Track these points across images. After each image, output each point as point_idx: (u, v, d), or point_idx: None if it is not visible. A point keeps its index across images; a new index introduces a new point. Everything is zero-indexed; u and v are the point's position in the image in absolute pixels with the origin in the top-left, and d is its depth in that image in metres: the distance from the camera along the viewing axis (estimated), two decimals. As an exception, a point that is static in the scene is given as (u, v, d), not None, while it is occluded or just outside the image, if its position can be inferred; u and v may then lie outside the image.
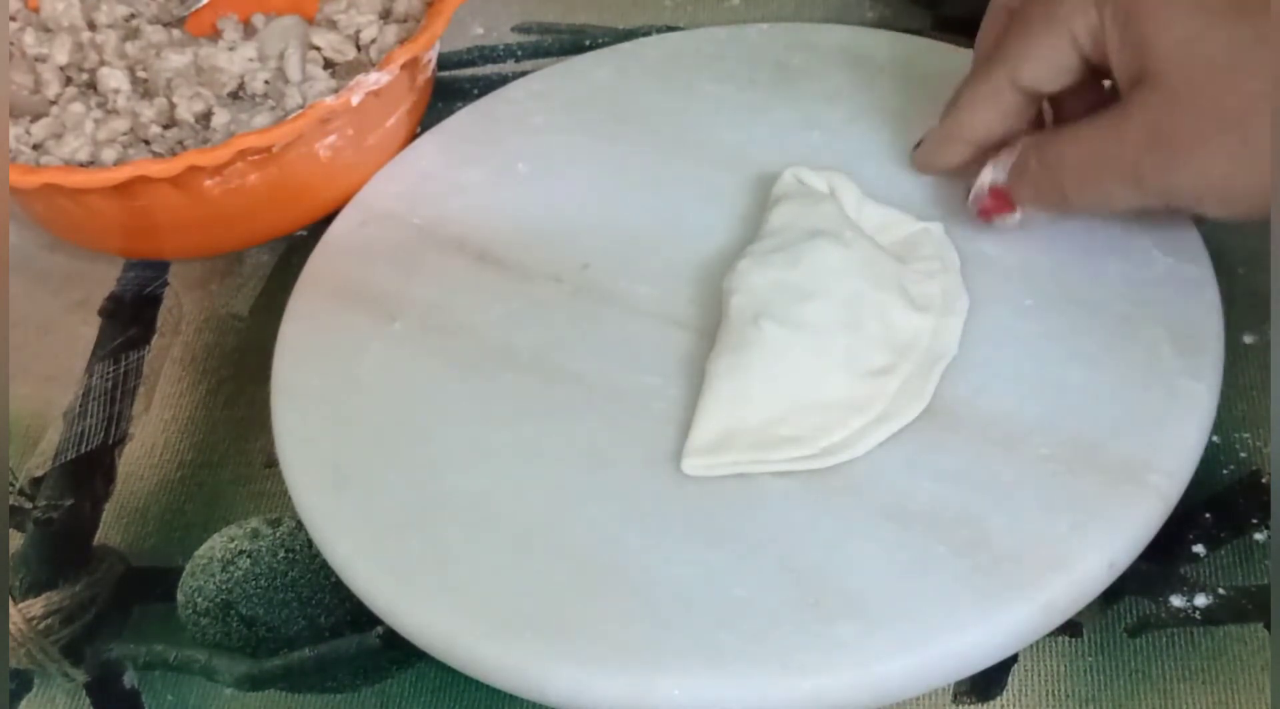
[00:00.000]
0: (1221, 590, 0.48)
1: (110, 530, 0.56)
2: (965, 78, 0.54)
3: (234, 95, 0.64)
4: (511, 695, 0.48)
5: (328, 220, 0.61)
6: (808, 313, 0.51)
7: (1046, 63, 0.51)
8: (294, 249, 0.64)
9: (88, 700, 0.51)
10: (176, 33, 0.67)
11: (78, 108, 0.63)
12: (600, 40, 0.70)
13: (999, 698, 0.47)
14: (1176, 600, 0.48)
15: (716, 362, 0.51)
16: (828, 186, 0.56)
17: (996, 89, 0.52)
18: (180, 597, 0.53)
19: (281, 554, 0.54)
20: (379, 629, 0.51)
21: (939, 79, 0.58)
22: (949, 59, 0.61)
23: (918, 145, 0.56)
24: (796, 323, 0.50)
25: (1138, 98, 0.47)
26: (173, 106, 0.62)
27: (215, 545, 0.54)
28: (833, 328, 0.50)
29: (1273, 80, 0.45)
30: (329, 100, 0.59)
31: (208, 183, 0.59)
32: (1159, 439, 0.48)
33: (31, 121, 0.63)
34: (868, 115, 0.60)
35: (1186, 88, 0.46)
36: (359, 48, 0.65)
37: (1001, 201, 0.52)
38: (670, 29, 0.69)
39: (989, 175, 0.52)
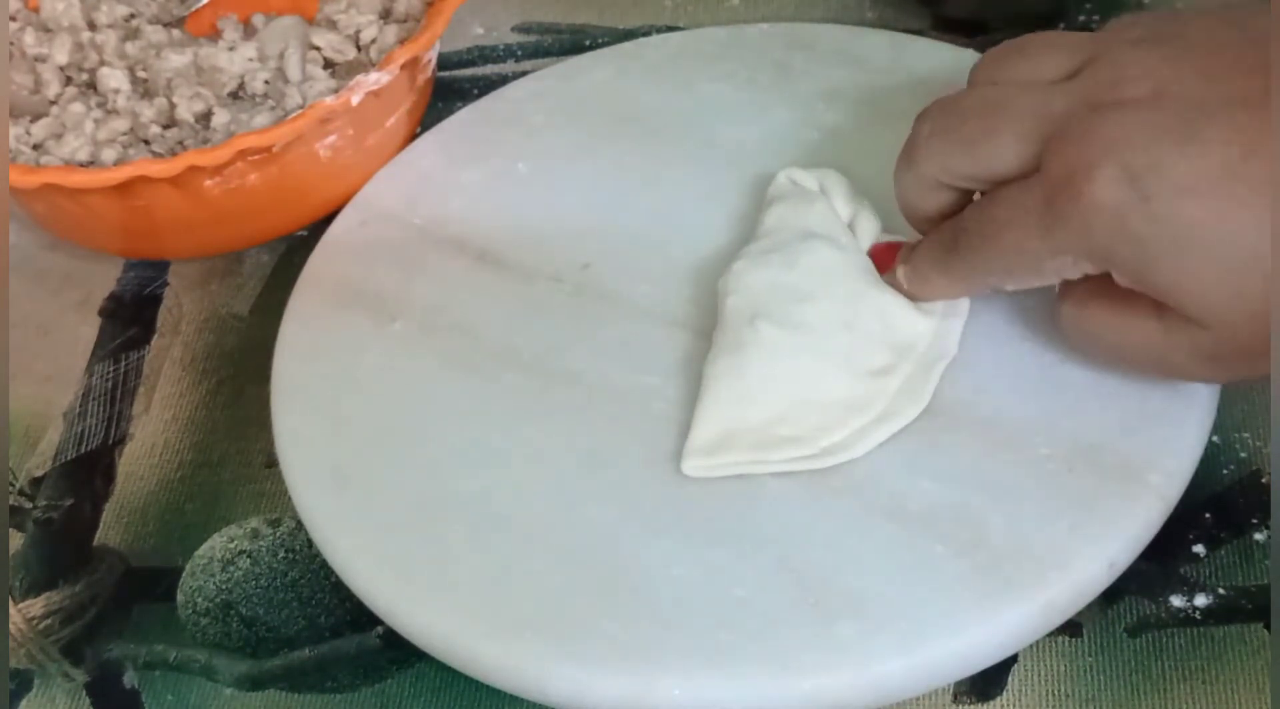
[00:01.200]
0: (1221, 590, 0.48)
1: (110, 530, 0.56)
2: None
3: (234, 95, 0.64)
4: (511, 695, 0.48)
5: (328, 220, 0.61)
6: (806, 313, 0.51)
7: (994, 159, 0.46)
8: (294, 249, 0.64)
9: (88, 700, 0.51)
10: (176, 33, 0.67)
11: (78, 108, 0.63)
12: (600, 40, 0.70)
13: (999, 698, 0.47)
14: (1176, 600, 0.48)
15: (714, 363, 0.51)
16: (819, 185, 0.56)
17: (927, 187, 0.49)
18: (180, 597, 0.53)
19: (281, 554, 0.54)
20: (379, 629, 0.51)
21: (939, 79, 0.58)
22: (949, 59, 0.61)
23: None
24: (794, 323, 0.50)
25: (1171, 317, 0.44)
26: (173, 106, 0.62)
27: (215, 545, 0.54)
28: (831, 328, 0.50)
29: None
30: (329, 100, 0.59)
31: (208, 183, 0.59)
32: (1159, 439, 0.48)
33: (31, 121, 0.63)
34: (868, 115, 0.60)
35: (1228, 327, 0.43)
36: (359, 48, 0.65)
37: (889, 257, 0.53)
38: (670, 29, 0.69)
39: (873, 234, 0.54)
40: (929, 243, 0.50)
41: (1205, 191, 0.41)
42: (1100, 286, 0.45)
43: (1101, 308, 0.46)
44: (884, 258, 0.52)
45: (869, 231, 0.54)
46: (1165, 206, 0.41)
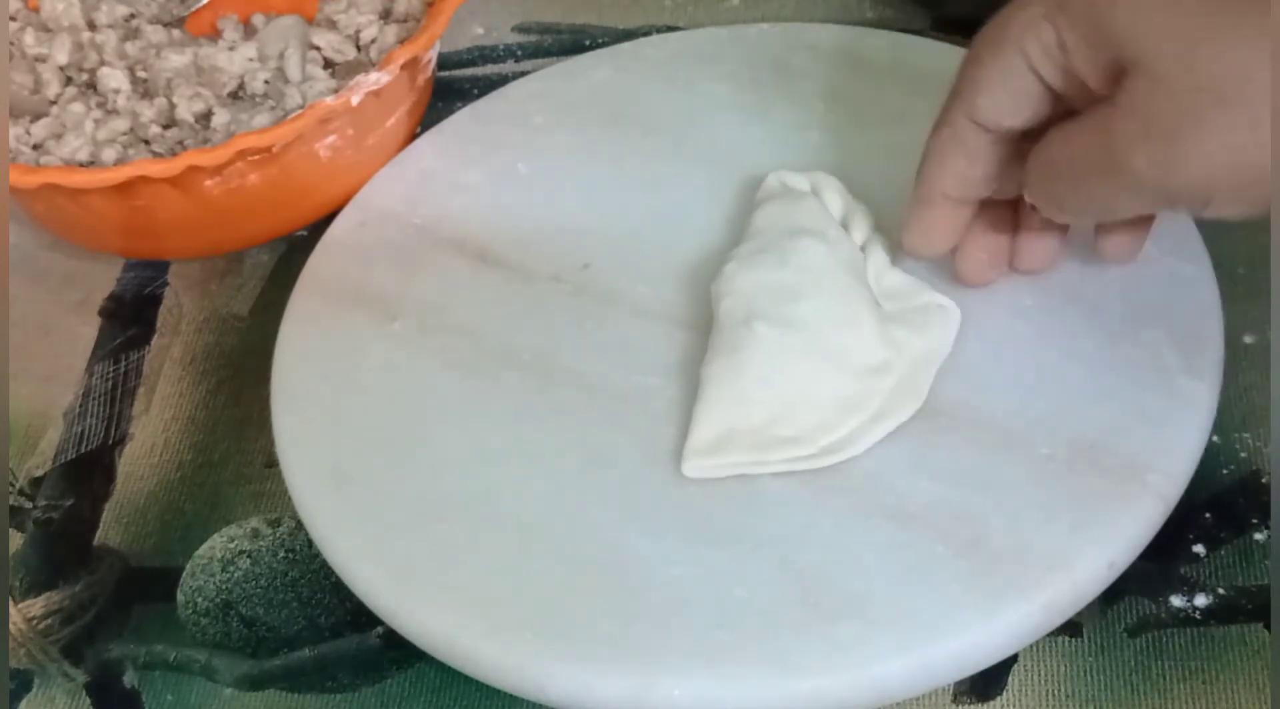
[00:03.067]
0: (1221, 590, 0.48)
1: (110, 530, 0.56)
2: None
3: (234, 95, 0.64)
4: (511, 695, 0.48)
5: (328, 220, 0.61)
6: (799, 312, 0.51)
7: (1003, 91, 0.46)
8: (294, 249, 0.64)
9: (88, 700, 0.51)
10: (176, 33, 0.67)
11: (78, 108, 0.63)
12: (600, 40, 0.70)
13: (999, 698, 0.47)
14: (1176, 600, 0.48)
15: (711, 365, 0.51)
16: (810, 186, 0.55)
17: (957, 133, 0.48)
18: (180, 597, 0.53)
19: (281, 554, 0.54)
20: (379, 629, 0.51)
21: (939, 79, 0.57)
22: (949, 59, 0.60)
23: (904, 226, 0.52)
24: (788, 322, 0.50)
25: (1122, 91, 0.43)
26: (173, 106, 0.62)
27: (215, 545, 0.54)
28: (825, 326, 0.50)
29: (1263, 47, 0.41)
30: (329, 100, 0.59)
31: (208, 183, 0.59)
32: (1159, 439, 0.48)
33: (31, 121, 0.63)
34: (867, 115, 0.60)
35: (1171, 64, 0.42)
36: (359, 48, 0.65)
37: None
38: (670, 29, 0.69)
39: None
40: (1036, 198, 0.48)
41: None
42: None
43: (1056, 129, 0.46)
44: None
45: (862, 229, 0.54)
46: None
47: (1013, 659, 0.47)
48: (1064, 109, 0.46)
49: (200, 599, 0.53)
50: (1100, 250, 0.51)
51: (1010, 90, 0.46)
